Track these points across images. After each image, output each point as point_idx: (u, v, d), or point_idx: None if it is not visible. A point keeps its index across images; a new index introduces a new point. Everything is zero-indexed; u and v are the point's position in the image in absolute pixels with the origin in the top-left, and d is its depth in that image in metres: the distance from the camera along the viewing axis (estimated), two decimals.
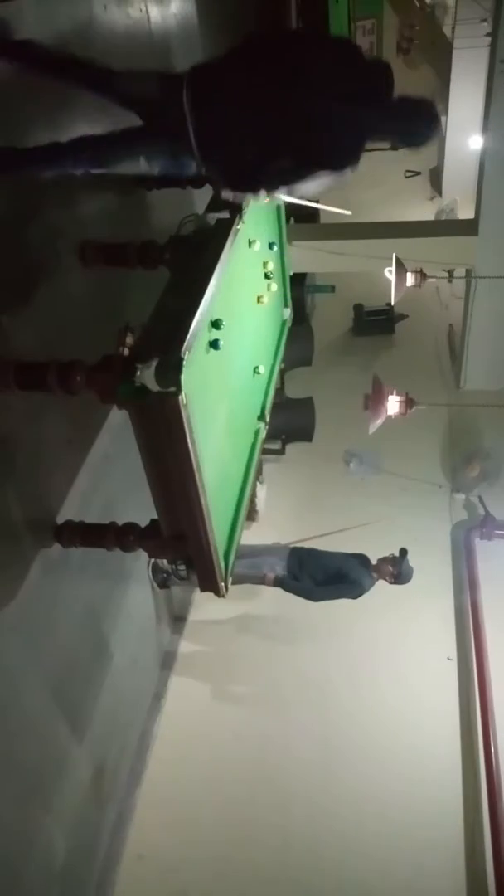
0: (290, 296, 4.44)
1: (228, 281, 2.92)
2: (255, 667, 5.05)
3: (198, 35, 4.96)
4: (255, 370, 3.72)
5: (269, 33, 2.93)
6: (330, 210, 4.20)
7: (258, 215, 3.47)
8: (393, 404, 4.56)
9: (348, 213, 4.24)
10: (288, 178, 2.42)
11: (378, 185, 10.04)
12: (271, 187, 2.47)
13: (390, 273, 5.00)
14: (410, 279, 5.09)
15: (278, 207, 4.03)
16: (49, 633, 3.31)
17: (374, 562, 4.62)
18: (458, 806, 4.35)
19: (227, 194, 2.54)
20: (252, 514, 5.77)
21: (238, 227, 3.01)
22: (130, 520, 3.24)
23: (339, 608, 4.62)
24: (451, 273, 6.38)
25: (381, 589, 4.62)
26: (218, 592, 3.03)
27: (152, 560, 4.62)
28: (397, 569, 4.53)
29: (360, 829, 4.23)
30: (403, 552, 4.54)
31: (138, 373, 2.26)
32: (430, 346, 7.82)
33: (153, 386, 2.27)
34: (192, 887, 4.03)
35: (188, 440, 2.40)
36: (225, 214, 3.03)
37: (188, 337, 2.35)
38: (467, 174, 7.94)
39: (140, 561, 4.48)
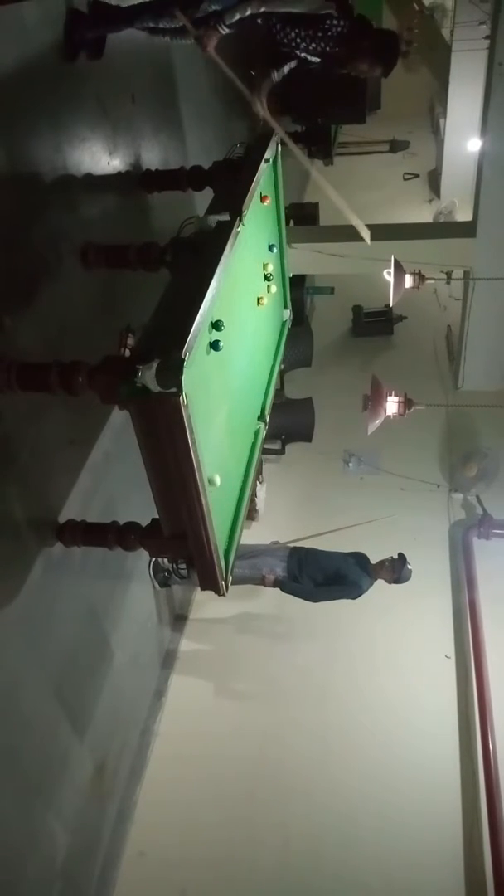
0: (289, 297, 4.47)
1: (229, 283, 2.95)
2: (255, 665, 5.08)
3: None
4: (255, 371, 3.74)
5: None
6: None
7: (258, 217, 3.50)
8: (391, 405, 4.59)
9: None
10: None
11: (377, 187, 10.09)
12: None
13: (389, 275, 5.02)
14: (409, 281, 5.11)
15: (278, 210, 4.05)
16: (51, 631, 3.34)
17: (372, 563, 4.65)
18: (457, 803, 4.37)
19: None
20: (252, 514, 5.80)
21: (238, 229, 3.03)
22: (131, 519, 3.27)
23: (338, 607, 4.65)
24: (449, 275, 6.40)
25: (380, 588, 4.65)
26: (218, 591, 3.05)
27: (153, 559, 4.65)
28: (396, 573, 4.55)
29: (359, 826, 4.26)
30: (403, 559, 4.56)
31: (139, 373, 2.27)
32: (428, 347, 7.84)
33: (154, 386, 2.28)
34: (192, 885, 4.06)
35: (189, 440, 2.42)
36: (225, 217, 3.06)
37: (189, 338, 2.37)
38: (465, 176, 7.97)
39: (141, 560, 4.51)
